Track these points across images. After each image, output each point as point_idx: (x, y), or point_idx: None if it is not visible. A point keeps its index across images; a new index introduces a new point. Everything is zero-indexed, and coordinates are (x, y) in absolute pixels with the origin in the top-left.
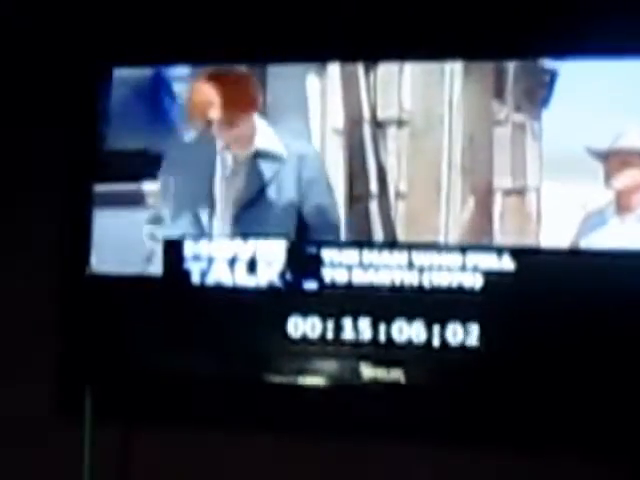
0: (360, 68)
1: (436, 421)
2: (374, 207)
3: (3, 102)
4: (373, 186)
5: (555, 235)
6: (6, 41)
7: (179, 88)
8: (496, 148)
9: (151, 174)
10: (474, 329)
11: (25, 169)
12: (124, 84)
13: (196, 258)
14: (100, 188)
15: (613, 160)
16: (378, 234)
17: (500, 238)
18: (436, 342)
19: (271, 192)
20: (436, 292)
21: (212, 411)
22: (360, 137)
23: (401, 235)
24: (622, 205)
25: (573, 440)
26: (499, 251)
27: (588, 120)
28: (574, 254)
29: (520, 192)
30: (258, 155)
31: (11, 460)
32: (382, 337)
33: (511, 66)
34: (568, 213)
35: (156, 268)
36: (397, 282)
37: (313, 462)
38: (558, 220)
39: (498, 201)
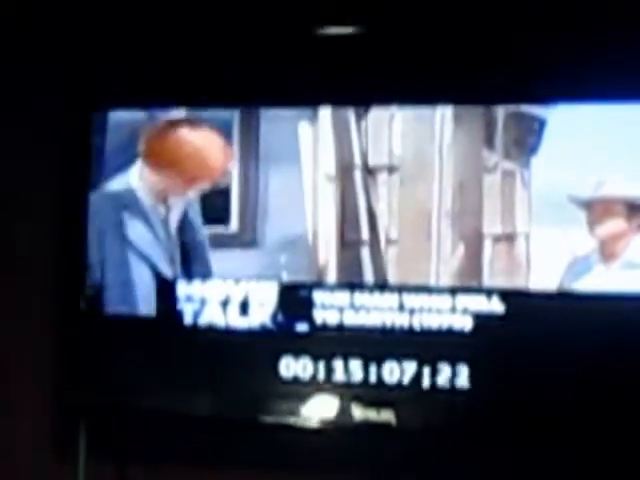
0: (351, 113)
1: (426, 462)
2: (365, 253)
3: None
4: (364, 232)
5: (543, 278)
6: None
7: None
8: (486, 195)
9: None
10: (464, 370)
11: (19, 209)
12: (119, 127)
13: (189, 299)
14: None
15: (596, 208)
16: (369, 277)
17: (489, 281)
18: (426, 383)
19: None
20: (426, 334)
21: (205, 450)
22: (352, 183)
23: (392, 278)
24: (606, 253)
25: None
26: (488, 293)
27: (573, 168)
28: (562, 297)
29: (509, 237)
30: None
31: None
32: (373, 378)
33: (501, 113)
34: (556, 257)
35: (149, 308)
36: (388, 324)
37: None
38: (546, 264)
39: (488, 246)
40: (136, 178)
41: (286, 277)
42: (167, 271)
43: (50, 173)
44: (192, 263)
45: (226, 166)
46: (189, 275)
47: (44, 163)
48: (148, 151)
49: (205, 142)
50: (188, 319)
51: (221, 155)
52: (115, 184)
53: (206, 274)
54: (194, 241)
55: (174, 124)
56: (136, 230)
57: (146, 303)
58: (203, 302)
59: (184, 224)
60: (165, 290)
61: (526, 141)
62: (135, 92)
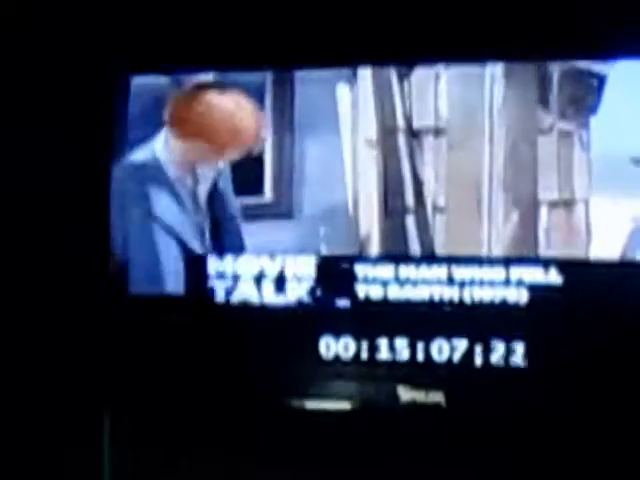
0: (393, 73)
1: (479, 445)
2: (411, 222)
3: (18, 113)
4: (409, 200)
5: (604, 247)
6: (21, 49)
7: None
8: (541, 158)
9: None
10: (519, 347)
11: (39, 182)
12: (142, 93)
13: (220, 276)
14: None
15: None
16: (415, 248)
17: (546, 251)
18: (478, 361)
19: None
20: (478, 308)
21: (238, 437)
22: (395, 148)
23: (440, 248)
24: None
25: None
26: (545, 264)
27: (635, 128)
28: (624, 267)
29: (567, 204)
30: None
31: None
32: (420, 357)
33: (556, 70)
34: (617, 225)
35: (177, 286)
36: (436, 298)
37: None
38: (607, 232)
39: (543, 214)
40: (161, 147)
41: (325, 250)
42: (196, 246)
43: (70, 142)
44: (223, 237)
45: (259, 133)
46: (220, 250)
47: (64, 132)
48: (174, 118)
49: (236, 107)
50: (220, 297)
51: (253, 121)
52: (139, 154)
53: (238, 248)
54: (225, 213)
55: (202, 88)
56: (162, 204)
57: (174, 281)
58: (236, 279)
59: (214, 196)
60: (194, 267)
61: (584, 100)
62: (159, 55)
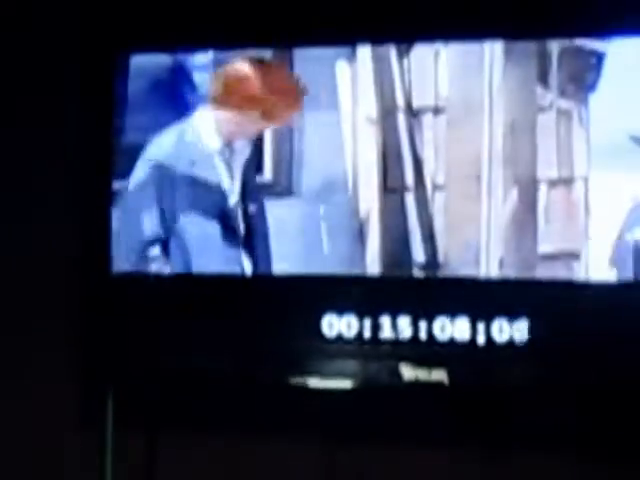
0: (393, 51)
1: (482, 424)
2: (410, 199)
3: (16, 95)
4: (409, 178)
5: (603, 225)
6: (19, 29)
7: (200, 78)
8: (540, 136)
9: None
10: (522, 324)
11: (39, 165)
12: (142, 73)
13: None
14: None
15: None
16: (414, 227)
17: (545, 231)
18: (481, 339)
19: None
20: (479, 285)
21: (240, 415)
22: (394, 126)
23: (439, 226)
24: None
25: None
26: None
27: (635, 105)
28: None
29: (566, 182)
30: None
31: (31, 464)
32: (423, 335)
33: (555, 48)
34: (616, 203)
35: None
36: (438, 275)
37: (350, 469)
38: (606, 210)
39: (543, 192)
40: (198, 123)
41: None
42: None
43: (70, 122)
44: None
45: (298, 106)
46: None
47: (65, 111)
48: (220, 90)
49: (280, 80)
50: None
51: (295, 94)
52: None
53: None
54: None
55: (247, 62)
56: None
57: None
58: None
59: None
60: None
61: (583, 77)
62: (158, 34)
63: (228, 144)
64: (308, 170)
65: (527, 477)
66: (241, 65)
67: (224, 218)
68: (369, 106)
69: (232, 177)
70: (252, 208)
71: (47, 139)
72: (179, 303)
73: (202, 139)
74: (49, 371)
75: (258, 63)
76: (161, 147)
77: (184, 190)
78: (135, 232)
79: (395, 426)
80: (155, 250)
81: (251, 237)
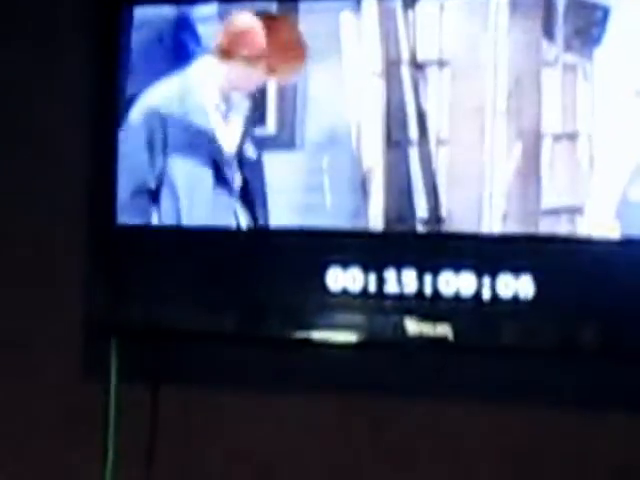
0: (399, 3)
1: (486, 378)
2: (414, 154)
3: (19, 46)
4: (412, 132)
5: (607, 182)
6: None
7: (204, 30)
8: (545, 90)
9: None
10: (527, 280)
11: (42, 116)
12: (146, 24)
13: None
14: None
15: None
16: (418, 181)
17: (549, 186)
18: (486, 294)
19: None
20: (485, 240)
21: (242, 370)
22: (398, 79)
23: (442, 180)
24: None
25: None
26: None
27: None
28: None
29: (571, 138)
30: None
31: (34, 418)
32: (428, 290)
33: (561, 1)
34: (620, 159)
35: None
36: (442, 229)
37: (354, 424)
38: (610, 166)
39: (547, 147)
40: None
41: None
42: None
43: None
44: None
45: (303, 60)
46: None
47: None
48: (225, 41)
49: (287, 33)
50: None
51: (301, 49)
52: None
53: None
54: None
55: (253, 15)
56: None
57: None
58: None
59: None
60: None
61: (589, 31)
62: None
63: (228, 96)
64: (311, 123)
65: (529, 430)
66: (246, 17)
67: (218, 167)
68: (373, 59)
69: (230, 128)
70: (250, 160)
71: (50, 91)
72: (180, 256)
73: (202, 90)
74: (53, 323)
75: (263, 16)
76: (158, 95)
77: (178, 136)
78: (132, 181)
79: (399, 380)
80: (149, 199)
81: (248, 189)
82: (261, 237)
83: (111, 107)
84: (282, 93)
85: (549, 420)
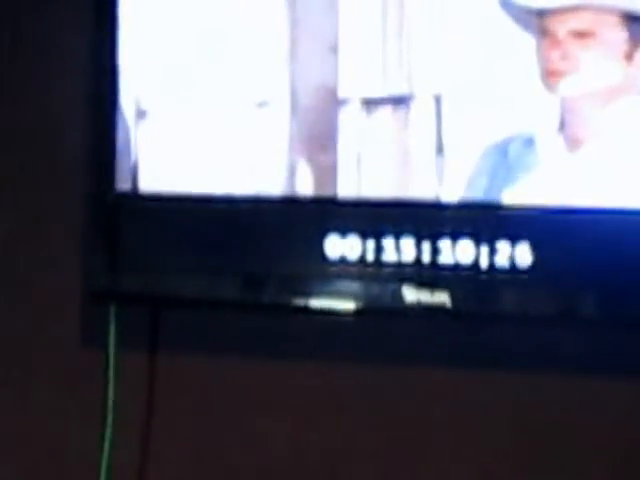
0: None
1: (484, 346)
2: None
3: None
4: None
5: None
6: None
7: None
8: None
9: None
10: (525, 248)
11: (44, 85)
12: None
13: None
14: None
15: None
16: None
17: None
18: (484, 262)
19: None
20: (483, 207)
21: (240, 337)
22: None
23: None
24: None
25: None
26: None
27: None
28: None
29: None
30: None
31: (32, 385)
32: (426, 258)
33: None
34: None
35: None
36: (443, 198)
37: (352, 392)
38: None
39: None
40: None
41: None
42: None
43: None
44: None
45: None
46: None
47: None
48: None
49: None
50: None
51: None
52: None
53: None
54: None
55: None
56: None
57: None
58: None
59: None
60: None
61: None
62: None
63: None
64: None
65: (528, 397)
66: None
67: None
68: None
69: None
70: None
71: (52, 57)
72: (178, 223)
73: None
74: (51, 289)
75: None
76: None
77: None
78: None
79: (397, 347)
80: None
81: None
82: (260, 204)
83: (112, 74)
84: None
85: (549, 387)
